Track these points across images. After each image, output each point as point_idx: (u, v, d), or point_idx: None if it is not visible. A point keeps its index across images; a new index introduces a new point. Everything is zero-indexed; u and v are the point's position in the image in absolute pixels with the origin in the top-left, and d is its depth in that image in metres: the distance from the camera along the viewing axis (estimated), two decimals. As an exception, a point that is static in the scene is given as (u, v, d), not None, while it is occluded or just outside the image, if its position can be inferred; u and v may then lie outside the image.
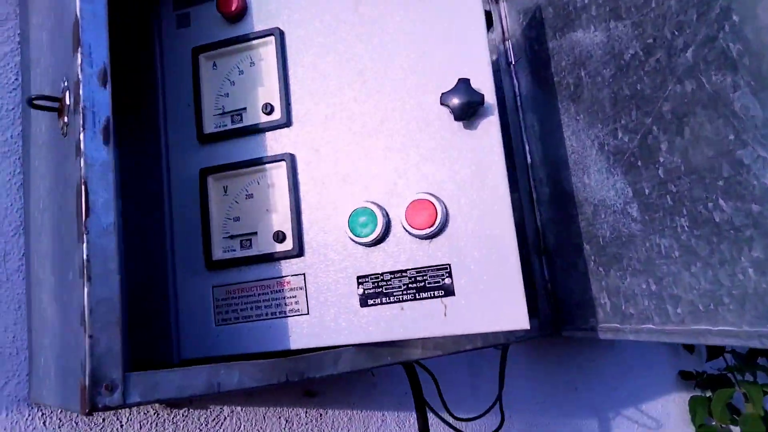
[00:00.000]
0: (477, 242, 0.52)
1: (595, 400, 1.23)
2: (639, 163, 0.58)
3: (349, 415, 0.88)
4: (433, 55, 0.55)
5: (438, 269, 0.53)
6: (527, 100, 0.78)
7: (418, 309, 0.53)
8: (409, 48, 0.56)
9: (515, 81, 0.78)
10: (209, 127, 0.60)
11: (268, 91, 0.59)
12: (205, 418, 0.76)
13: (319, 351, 0.53)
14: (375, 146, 0.56)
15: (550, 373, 1.17)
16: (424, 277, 0.53)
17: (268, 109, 0.59)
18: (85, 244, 0.42)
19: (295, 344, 0.55)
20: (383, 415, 0.92)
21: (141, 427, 0.71)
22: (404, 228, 0.53)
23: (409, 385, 0.72)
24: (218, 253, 0.59)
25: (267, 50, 0.60)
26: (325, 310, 0.55)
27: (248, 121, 0.59)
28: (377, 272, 0.54)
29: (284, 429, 0.82)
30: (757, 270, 0.44)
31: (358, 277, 0.54)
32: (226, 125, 0.60)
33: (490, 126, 0.53)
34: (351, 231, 0.54)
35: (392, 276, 0.54)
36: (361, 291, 0.54)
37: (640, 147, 0.58)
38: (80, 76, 0.44)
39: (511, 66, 0.78)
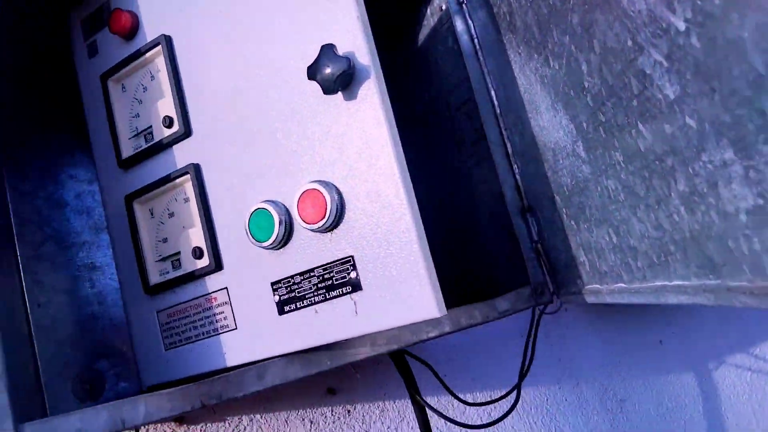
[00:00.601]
0: (376, 228, 0.45)
1: (688, 353, 1.08)
2: (572, 93, 0.48)
3: (380, 407, 0.85)
4: (304, 21, 0.49)
5: (342, 263, 0.47)
6: (485, 41, 0.68)
7: (330, 310, 0.47)
8: (282, 20, 0.50)
9: (469, 22, 0.68)
10: (127, 151, 0.59)
11: (167, 103, 0.56)
12: (224, 431, 0.76)
13: (242, 367, 0.50)
14: (268, 139, 0.51)
15: (623, 330, 1.04)
16: (331, 274, 0.48)
17: (167, 122, 0.56)
18: (-42, 305, 0.43)
19: (230, 361, 0.53)
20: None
21: (157, 447, 0.73)
22: (300, 224, 0.48)
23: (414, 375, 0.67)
24: (155, 278, 0.58)
25: (160, 60, 0.57)
26: (250, 322, 0.52)
27: (156, 137, 0.57)
28: (288, 275, 0.50)
29: (309, 431, 0.80)
30: (687, 207, 0.34)
31: (272, 284, 0.50)
32: (141, 146, 0.59)
33: (369, 93, 0.46)
34: (252, 237, 0.50)
35: (302, 277, 0.49)
36: (276, 298, 0.50)
37: (567, 73, 0.47)
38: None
39: (463, 5, 0.68)
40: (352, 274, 0.46)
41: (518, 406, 0.93)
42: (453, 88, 0.73)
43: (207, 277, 0.54)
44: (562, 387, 0.97)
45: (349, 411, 0.83)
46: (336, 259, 0.47)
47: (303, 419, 0.80)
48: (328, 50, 0.45)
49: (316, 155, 0.48)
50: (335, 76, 0.44)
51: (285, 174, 0.50)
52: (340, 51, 0.46)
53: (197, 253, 0.54)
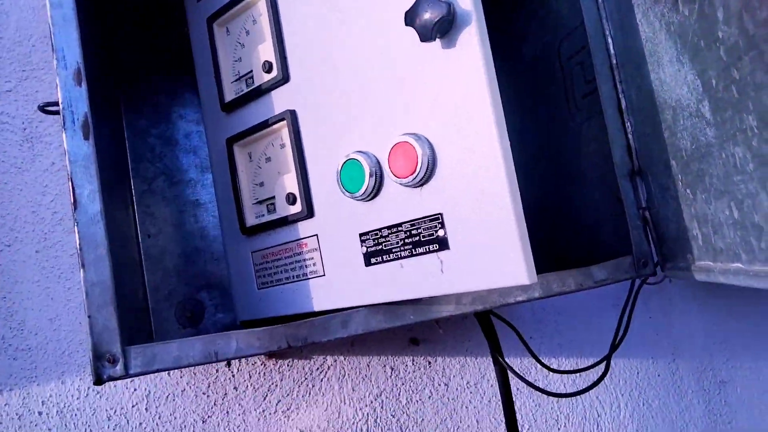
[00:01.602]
0: (468, 187, 0.43)
1: (808, 336, 0.97)
2: (702, 43, 0.42)
3: (462, 362, 0.85)
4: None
5: (431, 220, 0.46)
6: (604, -18, 0.61)
7: (416, 266, 0.47)
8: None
9: (587, -39, 0.62)
10: (229, 95, 0.61)
11: (267, 48, 0.56)
12: (309, 367, 0.80)
13: (328, 314, 0.51)
14: (362, 88, 0.50)
15: (734, 312, 0.96)
16: (419, 231, 0.47)
17: (267, 67, 0.56)
18: (76, 234, 0.46)
19: (317, 306, 0.54)
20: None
21: (250, 377, 0.78)
22: (390, 177, 0.47)
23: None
24: (251, 219, 0.60)
25: (262, 4, 0.57)
26: (338, 271, 0.52)
27: (257, 82, 0.58)
28: (376, 228, 0.49)
29: (390, 377, 0.82)
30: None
31: (360, 235, 0.50)
32: (242, 90, 0.60)
33: (469, 41, 0.43)
34: (343, 187, 0.50)
35: (389, 231, 0.48)
36: (364, 249, 0.50)
37: (699, 20, 0.41)
38: (57, 80, 0.48)
39: (583, -57, 0.62)
40: (440, 232, 0.45)
41: (606, 377, 0.89)
42: (567, 34, 0.67)
43: (299, 223, 0.55)
44: (656, 361, 0.92)
45: (430, 362, 0.84)
46: (425, 215, 0.46)
47: (384, 366, 0.82)
48: (429, -6, 0.42)
49: (410, 106, 0.46)
50: (433, 23, 0.42)
51: (378, 125, 0.48)
52: (437, -5, 0.43)
53: (291, 199, 0.55)
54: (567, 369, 0.87)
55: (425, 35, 0.42)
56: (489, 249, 0.43)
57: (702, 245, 0.51)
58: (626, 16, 0.58)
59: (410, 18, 0.43)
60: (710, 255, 0.49)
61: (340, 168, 0.50)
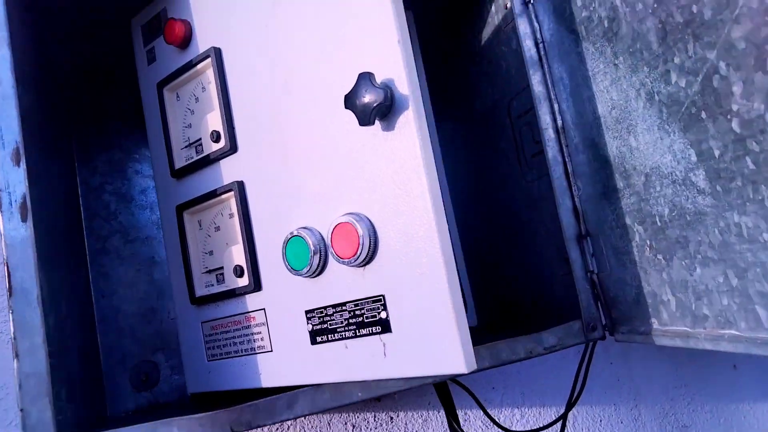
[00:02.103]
0: (408, 271, 0.43)
1: (766, 380, 0.99)
2: (703, 115, 0.44)
3: (424, 417, 0.84)
4: (344, 44, 0.46)
5: (373, 301, 0.46)
6: (552, 46, 0.62)
7: (360, 347, 0.46)
8: (325, 45, 0.48)
9: (535, 24, 0.63)
10: (179, 161, 0.60)
11: (215, 117, 0.56)
12: (269, 427, 0.79)
13: (272, 394, 0.50)
14: (307, 164, 0.50)
15: (693, 351, 0.97)
16: (362, 311, 0.46)
17: (215, 136, 0.56)
18: (11, 323, 0.45)
19: (265, 382, 0.53)
20: (465, 414, 0.86)
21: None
22: (333, 257, 0.47)
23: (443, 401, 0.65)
24: (200, 289, 0.59)
25: (211, 73, 0.57)
26: (285, 347, 0.52)
27: (205, 151, 0.58)
28: (321, 306, 0.49)
29: (352, 433, 0.81)
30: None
31: (306, 312, 0.50)
32: (192, 157, 0.59)
33: (407, 126, 0.43)
34: (288, 264, 0.49)
35: (334, 310, 0.48)
36: (310, 327, 0.50)
37: (702, 93, 0.43)
38: (-7, 160, 0.47)
39: (530, 5, 0.63)
40: (383, 314, 0.45)
41: (568, 425, 0.89)
42: (516, 94, 0.69)
43: (247, 296, 0.55)
44: (618, 408, 0.92)
45: (392, 418, 0.83)
46: (368, 296, 0.46)
47: (346, 423, 0.81)
48: (365, 79, 0.43)
49: (352, 185, 0.46)
50: (371, 108, 0.42)
51: (322, 201, 0.48)
52: (380, 78, 0.44)
53: (238, 271, 0.55)
54: (530, 418, 0.87)
55: (363, 119, 0.43)
56: (428, 336, 0.42)
57: (675, 311, 0.52)
58: (582, 83, 0.59)
59: (349, 102, 0.43)
60: (689, 321, 0.51)
61: (284, 244, 0.49)
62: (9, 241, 0.46)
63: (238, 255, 0.55)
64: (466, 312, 0.71)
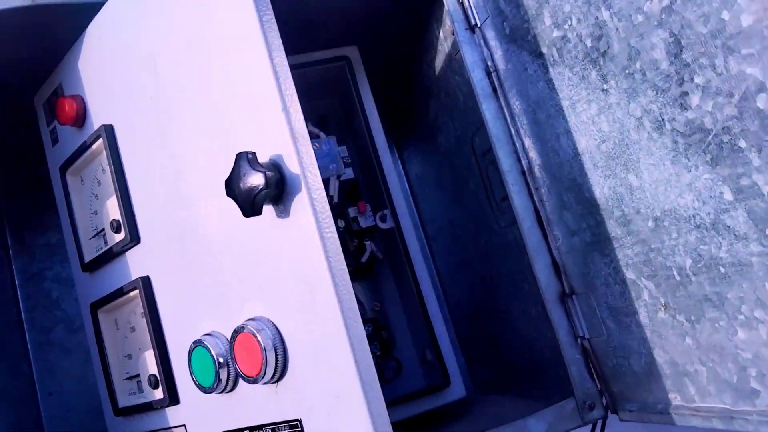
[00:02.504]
0: (322, 390, 0.34)
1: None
2: (742, 144, 0.35)
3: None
4: (226, 119, 0.38)
5: (290, 426, 0.37)
6: (510, 75, 0.53)
7: (281, 480, 0.37)
8: (208, 119, 0.40)
9: (485, 51, 0.54)
10: (89, 253, 0.53)
11: (114, 204, 0.49)
12: None
13: None
14: (206, 258, 0.41)
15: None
16: (278, 438, 0.37)
17: (115, 226, 0.48)
18: None
19: None
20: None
21: None
22: (238, 373, 0.38)
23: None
24: (123, 398, 0.51)
25: (106, 154, 0.49)
26: (208, 472, 0.43)
27: (109, 242, 0.50)
28: (239, 427, 0.40)
29: None
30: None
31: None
32: (101, 248, 0.51)
33: (302, 209, 0.34)
34: (195, 379, 0.41)
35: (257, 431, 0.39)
36: (229, 452, 0.41)
37: (741, 117, 0.35)
38: None
39: (477, 29, 0.54)
40: (300, 442, 0.36)
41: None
42: (476, 129, 0.60)
43: (167, 410, 0.46)
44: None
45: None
46: (283, 419, 0.37)
47: None
48: (243, 160, 0.34)
49: (253, 283, 0.38)
50: (252, 195, 0.34)
51: (224, 301, 0.40)
52: (267, 156, 0.35)
53: (152, 382, 0.47)
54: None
55: (246, 209, 0.34)
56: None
57: (708, 384, 0.42)
58: (555, 115, 0.50)
59: (229, 189, 0.35)
60: (728, 396, 0.41)
61: (188, 355, 0.41)
62: None
63: (151, 362, 0.47)
64: (451, 385, 0.62)
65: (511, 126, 0.54)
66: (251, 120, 0.36)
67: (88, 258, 0.52)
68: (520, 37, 0.53)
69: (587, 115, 0.48)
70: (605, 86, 0.46)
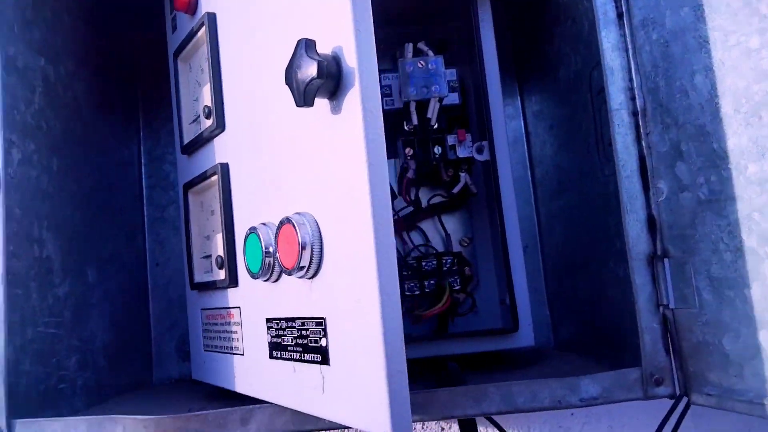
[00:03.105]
0: (348, 294, 0.34)
1: None
2: None
3: None
4: (299, 6, 0.37)
5: (317, 323, 0.37)
6: (640, -2, 0.46)
7: (304, 375, 0.38)
8: (287, 11, 0.39)
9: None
10: (188, 136, 0.56)
11: (207, 91, 0.51)
12: None
13: (228, 407, 0.44)
14: (274, 149, 0.42)
15: None
16: (307, 333, 0.38)
17: (206, 112, 0.51)
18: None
19: (237, 387, 0.48)
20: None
21: None
22: (278, 263, 0.39)
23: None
24: (198, 275, 0.55)
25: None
26: (252, 354, 0.46)
27: (201, 128, 0.52)
28: (277, 317, 0.41)
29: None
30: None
31: (267, 320, 0.43)
32: (198, 132, 0.54)
33: (351, 106, 0.33)
34: (246, 264, 0.42)
35: (287, 324, 0.40)
36: (269, 338, 0.43)
37: None
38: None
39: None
40: (323, 342, 0.36)
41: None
42: (596, 63, 0.53)
43: (228, 290, 0.49)
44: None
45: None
46: (312, 315, 0.37)
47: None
48: (301, 48, 0.33)
49: (304, 178, 0.38)
50: (304, 84, 0.33)
51: (281, 194, 0.40)
52: (329, 47, 0.34)
53: (219, 262, 0.49)
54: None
55: (298, 99, 0.34)
56: (360, 383, 0.33)
57: None
58: (694, 48, 0.43)
59: (288, 76, 0.34)
60: None
61: (244, 241, 0.43)
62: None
63: (219, 244, 0.49)
64: (519, 331, 0.59)
65: (632, 59, 0.47)
66: (319, 7, 0.34)
67: (186, 141, 0.56)
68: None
69: (742, 49, 0.40)
70: None
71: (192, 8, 0.53)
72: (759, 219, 0.40)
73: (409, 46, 0.65)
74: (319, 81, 0.32)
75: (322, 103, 0.34)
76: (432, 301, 0.65)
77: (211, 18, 0.49)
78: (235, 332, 0.48)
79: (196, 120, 0.54)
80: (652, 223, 0.45)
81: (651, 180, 0.46)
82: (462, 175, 0.68)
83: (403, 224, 0.70)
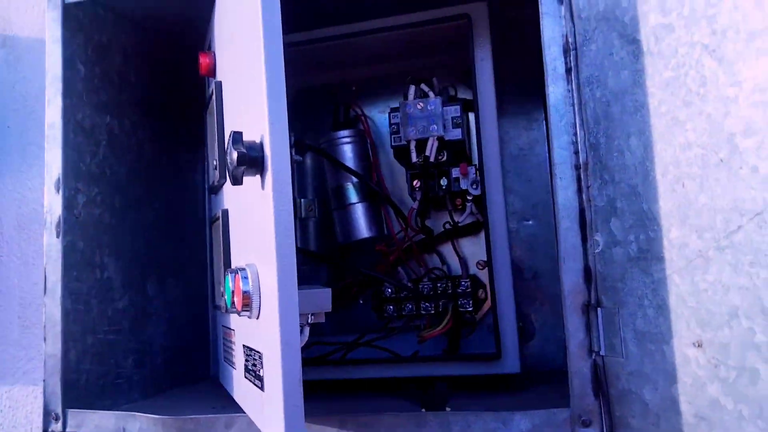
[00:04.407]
0: (271, 335, 0.42)
1: None
2: None
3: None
4: (246, 102, 0.45)
5: (258, 356, 0.45)
6: (589, 57, 0.48)
7: (255, 394, 0.47)
8: (242, 102, 0.47)
9: (569, 25, 0.49)
10: (212, 179, 0.67)
11: (214, 149, 0.61)
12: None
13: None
14: (247, 205, 0.51)
15: None
16: (255, 362, 0.46)
17: (215, 166, 0.61)
18: (44, 315, 0.59)
19: (234, 395, 0.58)
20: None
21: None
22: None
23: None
24: (218, 297, 0.66)
25: (218, 104, 0.61)
26: (238, 370, 0.55)
27: (212, 178, 0.63)
28: (247, 345, 0.50)
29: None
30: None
31: (243, 346, 0.52)
32: (214, 180, 0.65)
33: (268, 186, 0.40)
34: (224, 297, 0.52)
35: (251, 352, 0.49)
36: (243, 359, 0.52)
37: None
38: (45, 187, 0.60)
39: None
40: (261, 372, 0.44)
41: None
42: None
43: (230, 314, 0.59)
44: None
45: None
46: (257, 348, 0.46)
47: None
48: (232, 137, 0.41)
49: (251, 235, 0.46)
50: (233, 166, 0.41)
51: (245, 246, 0.49)
52: (255, 136, 0.41)
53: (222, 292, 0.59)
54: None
55: (231, 180, 0.42)
56: (274, 412, 0.41)
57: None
58: (631, 110, 0.45)
59: (220, 163, 0.43)
60: None
61: (222, 279, 0.52)
62: (48, 250, 0.60)
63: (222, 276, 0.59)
64: (502, 358, 0.63)
65: (576, 114, 0.49)
66: (251, 103, 0.42)
67: (211, 182, 0.66)
68: (615, 17, 0.47)
69: (671, 118, 0.42)
70: (702, 90, 0.40)
71: (212, 73, 0.63)
72: (678, 281, 0.42)
73: (412, 89, 0.71)
74: (242, 167, 0.40)
75: (255, 179, 0.42)
76: (441, 321, 0.71)
77: (218, 85, 0.59)
78: (234, 350, 0.58)
79: (216, 167, 0.65)
80: (588, 273, 0.48)
81: (589, 232, 0.48)
82: (468, 205, 0.73)
83: (417, 250, 0.76)
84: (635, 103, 0.45)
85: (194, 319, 0.84)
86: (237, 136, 0.41)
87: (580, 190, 0.49)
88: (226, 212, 0.58)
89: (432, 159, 0.69)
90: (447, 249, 0.78)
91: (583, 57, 0.49)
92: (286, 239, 0.39)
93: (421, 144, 0.69)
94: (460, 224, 0.74)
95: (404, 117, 0.69)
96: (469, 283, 0.73)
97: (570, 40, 0.50)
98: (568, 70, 0.50)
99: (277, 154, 0.40)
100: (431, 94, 0.70)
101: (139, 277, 0.72)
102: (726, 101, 0.38)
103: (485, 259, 0.78)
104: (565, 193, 0.49)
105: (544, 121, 0.81)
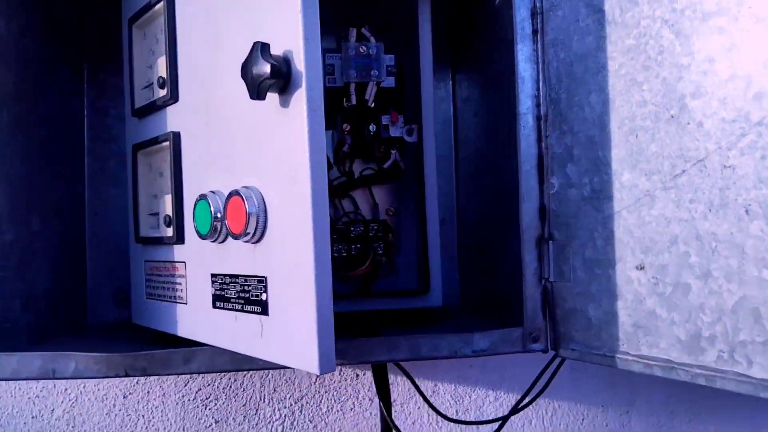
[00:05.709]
0: (288, 259, 0.41)
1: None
2: None
3: (391, 380, 0.84)
4: (257, 8, 0.42)
5: (258, 281, 0.44)
6: (555, 21, 0.54)
7: (245, 322, 0.45)
8: (245, 10, 0.44)
9: (535, -8, 0.54)
10: (139, 101, 0.60)
11: (163, 62, 0.55)
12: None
13: (174, 347, 0.51)
14: (222, 127, 0.47)
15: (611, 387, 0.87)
16: (249, 288, 0.45)
17: (161, 82, 0.55)
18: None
19: (180, 332, 0.54)
20: (436, 387, 0.84)
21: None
22: (226, 228, 0.45)
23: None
24: (144, 230, 0.60)
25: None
26: (196, 303, 0.52)
27: (154, 96, 0.57)
28: (221, 273, 0.48)
29: (314, 384, 0.82)
30: None
31: (211, 275, 0.49)
32: (150, 98, 0.58)
33: (298, 105, 0.39)
34: (195, 225, 0.48)
35: (230, 280, 0.47)
36: (212, 290, 0.49)
37: None
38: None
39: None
40: (263, 296, 0.43)
41: (546, 415, 0.85)
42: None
43: (174, 246, 0.55)
44: (606, 411, 0.87)
45: (358, 375, 0.83)
46: (254, 274, 0.44)
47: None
48: (257, 50, 0.39)
49: (254, 158, 0.44)
50: (258, 81, 0.38)
51: (231, 167, 0.46)
52: (280, 49, 0.39)
53: (167, 221, 0.55)
54: (505, 402, 0.84)
55: (252, 92, 0.39)
56: (294, 329, 0.40)
57: (659, 338, 0.48)
58: (593, 71, 0.51)
59: (243, 72, 0.40)
60: (677, 351, 0.46)
61: (194, 205, 0.48)
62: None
63: (168, 205, 0.55)
64: (430, 292, 0.68)
65: (541, 72, 0.55)
66: (274, 13, 0.40)
67: (138, 105, 0.59)
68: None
69: (629, 79, 0.49)
70: (660, 58, 0.47)
71: (151, -21, 0.56)
72: (626, 216, 0.50)
73: (353, 31, 0.71)
74: (271, 81, 0.38)
75: (272, 96, 0.40)
76: (357, 262, 0.73)
77: (174, -7, 0.53)
78: (179, 284, 0.54)
79: (149, 87, 0.58)
80: (543, 212, 0.55)
81: (546, 176, 0.55)
82: (393, 152, 0.76)
83: (336, 192, 0.77)
84: (597, 65, 0.52)
85: (72, 262, 0.75)
86: (265, 47, 0.38)
87: (539, 138, 0.55)
88: (177, 135, 0.53)
89: (370, 103, 0.70)
90: (358, 194, 0.81)
91: (549, 21, 0.55)
92: (320, 160, 0.39)
93: (360, 87, 0.70)
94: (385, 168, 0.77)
95: (346, 59, 0.69)
96: (380, 227, 0.76)
97: (537, 4, 0.55)
98: (534, 32, 0.55)
99: (312, 69, 0.38)
100: (372, 39, 0.70)
101: (24, 208, 0.62)
102: (680, 68, 0.47)
103: (395, 206, 0.82)
104: (527, 141, 0.55)
105: (450, 82, 0.87)
